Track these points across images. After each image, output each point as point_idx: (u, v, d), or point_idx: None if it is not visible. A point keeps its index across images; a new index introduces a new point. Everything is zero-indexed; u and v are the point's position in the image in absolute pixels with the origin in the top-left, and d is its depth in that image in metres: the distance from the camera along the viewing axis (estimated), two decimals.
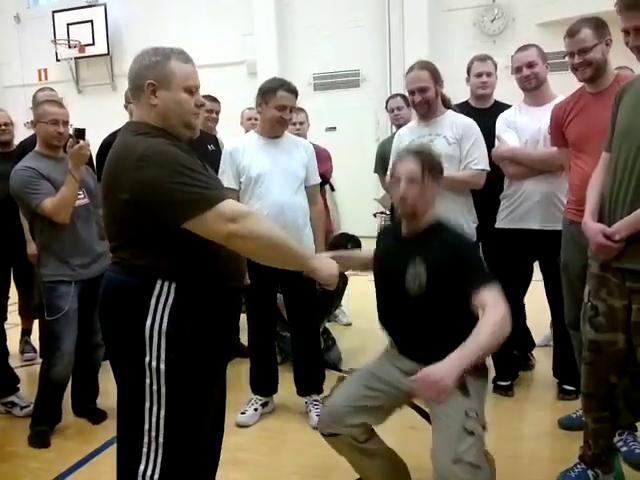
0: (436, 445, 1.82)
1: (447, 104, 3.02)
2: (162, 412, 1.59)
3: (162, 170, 1.53)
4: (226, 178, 2.88)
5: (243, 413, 3.01)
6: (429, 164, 2.00)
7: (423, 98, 2.87)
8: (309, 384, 3.09)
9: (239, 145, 2.94)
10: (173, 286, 1.60)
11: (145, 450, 1.60)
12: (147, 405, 1.59)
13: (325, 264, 1.74)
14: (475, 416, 1.83)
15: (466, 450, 1.74)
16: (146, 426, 1.60)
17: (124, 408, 1.69)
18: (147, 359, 1.58)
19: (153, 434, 1.60)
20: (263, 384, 3.11)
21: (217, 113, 4.11)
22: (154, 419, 1.60)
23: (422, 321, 1.96)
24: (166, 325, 1.58)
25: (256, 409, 3.04)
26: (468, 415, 1.81)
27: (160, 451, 1.60)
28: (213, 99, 4.09)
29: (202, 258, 1.63)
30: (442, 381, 1.56)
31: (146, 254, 1.59)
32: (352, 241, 3.73)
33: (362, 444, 2.00)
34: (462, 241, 2.03)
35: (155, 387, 1.59)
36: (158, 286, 1.59)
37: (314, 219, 3.01)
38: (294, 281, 2.94)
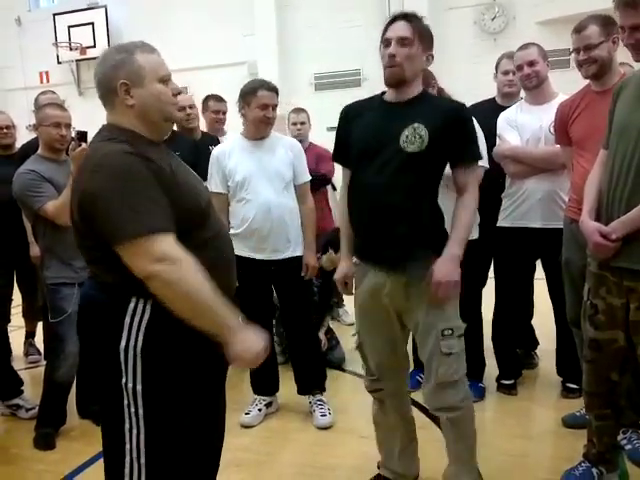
0: (425, 363, 2.09)
1: None
2: (142, 435, 1.52)
3: (106, 184, 1.42)
4: (214, 182, 2.91)
5: (247, 414, 3.02)
6: (419, 30, 1.99)
7: None
8: (309, 382, 3.09)
9: (225, 149, 2.96)
10: (149, 304, 1.49)
11: (127, 471, 1.54)
12: (127, 426, 1.52)
13: (246, 341, 1.48)
14: (450, 333, 2.00)
15: (446, 371, 2.02)
16: (127, 446, 1.53)
17: (106, 427, 1.63)
18: (123, 380, 1.50)
19: (134, 455, 1.53)
20: (263, 384, 3.11)
21: (224, 113, 4.09)
22: (134, 440, 1.52)
23: (410, 177, 1.97)
24: (141, 345, 1.49)
25: (260, 409, 3.05)
26: (444, 335, 2.00)
27: (143, 472, 1.54)
28: (219, 99, 4.07)
29: None
30: (449, 281, 1.94)
31: (118, 270, 1.45)
32: None
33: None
34: (457, 108, 2.07)
35: (133, 409, 1.51)
36: (132, 304, 1.50)
37: (304, 218, 3.00)
38: (287, 278, 2.96)
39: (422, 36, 1.99)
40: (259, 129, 2.90)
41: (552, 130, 2.80)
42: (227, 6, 8.44)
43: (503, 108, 3.21)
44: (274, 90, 2.90)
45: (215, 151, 3.00)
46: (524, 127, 2.97)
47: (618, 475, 2.26)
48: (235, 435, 2.81)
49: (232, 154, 2.91)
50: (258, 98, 2.84)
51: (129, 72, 1.54)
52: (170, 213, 1.46)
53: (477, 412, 2.98)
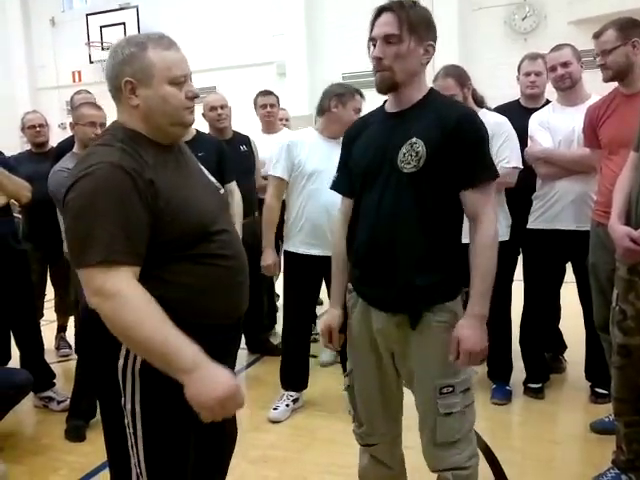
0: (419, 423, 1.78)
1: (480, 103, 3.02)
2: (141, 454, 1.46)
3: (79, 200, 1.33)
4: (280, 168, 2.97)
5: (275, 409, 3.05)
6: (409, 20, 1.62)
7: None
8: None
9: (298, 140, 3.01)
10: None
11: None
12: (129, 443, 1.47)
13: (204, 381, 1.29)
14: (449, 390, 1.68)
15: (446, 432, 1.69)
16: (133, 460, 1.48)
17: (110, 444, 1.55)
18: (122, 401, 1.44)
19: (137, 471, 1.48)
20: (295, 380, 3.14)
21: (272, 107, 4.16)
22: (136, 457, 1.48)
23: (411, 203, 1.66)
24: (140, 366, 1.40)
25: (288, 405, 3.08)
26: (441, 393, 1.68)
27: None
28: (266, 93, 4.21)
29: (180, 292, 1.42)
30: (476, 350, 1.61)
31: None
32: None
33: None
34: (465, 117, 1.67)
35: (131, 430, 1.45)
36: None
37: None
38: None
39: (413, 26, 1.62)
40: (343, 130, 2.96)
41: None
42: (257, 6, 8.50)
43: (527, 110, 3.20)
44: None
45: (287, 140, 3.06)
46: (556, 129, 2.94)
47: None
48: (261, 431, 2.85)
49: (305, 146, 2.96)
50: (355, 101, 2.90)
51: (136, 69, 1.40)
52: (140, 238, 1.34)
53: (503, 415, 3.01)
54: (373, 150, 1.73)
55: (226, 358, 1.49)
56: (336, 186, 1.94)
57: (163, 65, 1.41)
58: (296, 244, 2.96)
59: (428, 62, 1.70)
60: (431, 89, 1.76)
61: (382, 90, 1.71)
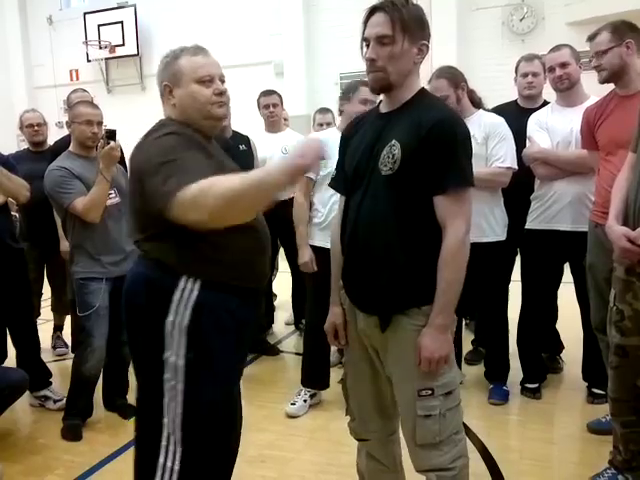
0: (401, 423, 1.78)
1: (477, 104, 3.02)
2: (179, 408, 1.60)
3: (161, 158, 1.54)
4: None
5: (293, 404, 3.07)
6: (402, 20, 1.61)
7: None
8: None
9: (322, 139, 3.01)
10: (197, 283, 1.60)
11: (164, 443, 1.62)
12: (166, 400, 1.61)
13: (298, 150, 1.43)
14: (428, 393, 1.66)
15: (426, 433, 1.66)
16: (165, 420, 1.61)
17: (143, 402, 1.72)
18: (166, 354, 1.59)
19: (171, 427, 1.61)
20: (315, 377, 3.16)
21: (275, 106, 4.16)
22: (171, 414, 1.61)
23: (387, 206, 1.65)
24: (187, 322, 1.59)
25: (305, 400, 3.11)
26: (420, 395, 1.66)
27: (179, 443, 1.62)
28: (268, 93, 4.20)
29: (226, 258, 1.62)
30: (439, 357, 1.62)
31: (172, 249, 1.60)
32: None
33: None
34: (443, 121, 1.63)
35: (173, 383, 1.60)
36: (182, 282, 1.60)
37: None
38: None
39: (406, 26, 1.61)
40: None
41: None
42: (254, 6, 8.50)
43: (525, 110, 3.21)
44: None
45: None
46: (555, 129, 2.95)
47: None
48: (260, 431, 2.84)
49: (329, 145, 2.91)
50: (360, 92, 2.91)
51: (170, 74, 1.71)
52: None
53: (500, 415, 3.01)
54: (361, 151, 1.73)
55: (256, 321, 1.80)
56: (334, 184, 1.96)
57: (190, 68, 1.68)
58: (324, 239, 2.88)
59: (422, 61, 1.69)
60: (421, 90, 1.73)
61: (375, 91, 1.73)
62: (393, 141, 1.63)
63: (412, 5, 1.66)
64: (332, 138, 2.96)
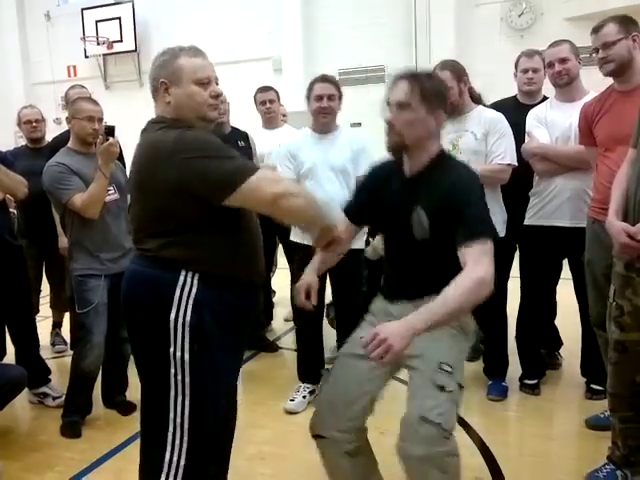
0: (407, 400, 1.75)
1: (477, 100, 3.02)
2: (187, 401, 1.66)
3: (199, 152, 1.60)
4: (286, 171, 3.07)
5: (292, 400, 3.07)
6: (423, 90, 1.78)
7: None
8: None
9: (295, 142, 3.15)
10: (196, 277, 1.65)
11: (170, 438, 1.66)
12: (172, 394, 1.65)
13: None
14: (449, 370, 1.71)
15: (433, 407, 1.65)
16: (171, 414, 1.66)
17: (149, 398, 1.75)
18: (172, 350, 1.64)
19: (178, 421, 1.66)
20: (311, 372, 3.16)
21: (271, 102, 4.17)
22: (179, 408, 1.66)
23: (428, 265, 1.84)
24: (190, 316, 1.64)
25: (304, 396, 3.10)
26: (441, 369, 1.71)
27: (185, 438, 1.66)
28: (264, 89, 4.24)
29: (224, 251, 1.69)
30: (387, 341, 1.51)
31: (173, 245, 1.65)
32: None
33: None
34: (457, 182, 1.77)
35: (180, 377, 1.65)
36: (182, 277, 1.65)
37: None
38: (344, 269, 2.89)
39: (425, 97, 1.77)
40: (317, 120, 3.07)
41: None
42: (253, 2, 8.46)
43: (524, 106, 3.20)
44: (330, 81, 3.07)
45: (285, 145, 3.20)
46: (554, 125, 2.94)
47: None
48: (258, 428, 2.84)
49: (299, 145, 3.10)
50: (314, 91, 3.03)
51: (169, 72, 1.72)
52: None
53: (499, 411, 3.02)
54: (391, 213, 1.91)
55: (254, 315, 1.90)
56: (346, 209, 2.11)
57: (190, 69, 1.71)
58: (305, 237, 2.87)
59: (439, 129, 1.86)
60: (441, 152, 1.88)
61: (391, 150, 1.90)
62: (419, 208, 1.80)
63: (434, 79, 1.88)
64: (300, 139, 3.14)
